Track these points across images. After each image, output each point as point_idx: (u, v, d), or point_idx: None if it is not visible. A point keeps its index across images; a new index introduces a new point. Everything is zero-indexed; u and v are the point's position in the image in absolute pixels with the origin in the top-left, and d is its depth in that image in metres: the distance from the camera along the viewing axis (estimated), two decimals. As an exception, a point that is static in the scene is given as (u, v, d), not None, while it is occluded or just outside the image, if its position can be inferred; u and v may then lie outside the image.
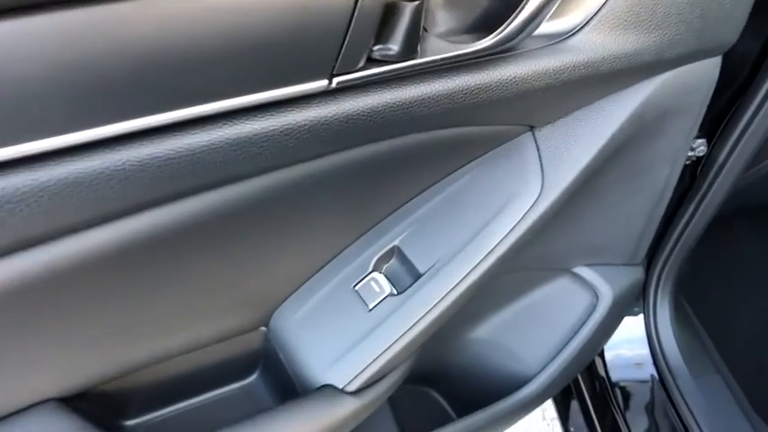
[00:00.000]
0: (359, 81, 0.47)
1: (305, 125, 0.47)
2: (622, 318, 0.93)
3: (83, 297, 0.51)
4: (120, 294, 0.54)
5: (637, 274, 0.90)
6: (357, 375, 0.64)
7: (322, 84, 0.46)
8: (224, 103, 0.43)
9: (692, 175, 0.89)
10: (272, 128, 0.46)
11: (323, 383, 0.65)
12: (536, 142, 0.65)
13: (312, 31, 0.42)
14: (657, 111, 0.66)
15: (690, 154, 0.82)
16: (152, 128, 0.42)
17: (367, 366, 0.64)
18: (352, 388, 0.65)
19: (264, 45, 0.42)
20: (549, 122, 0.64)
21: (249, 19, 0.40)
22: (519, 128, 0.64)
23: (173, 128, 0.43)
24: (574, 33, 0.57)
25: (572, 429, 1.24)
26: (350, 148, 0.53)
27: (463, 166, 0.65)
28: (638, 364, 1.11)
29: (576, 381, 1.18)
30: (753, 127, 0.81)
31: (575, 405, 1.21)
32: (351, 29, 0.43)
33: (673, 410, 1.04)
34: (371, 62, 0.48)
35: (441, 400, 1.00)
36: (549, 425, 1.51)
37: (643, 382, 1.10)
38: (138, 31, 0.37)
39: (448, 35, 0.54)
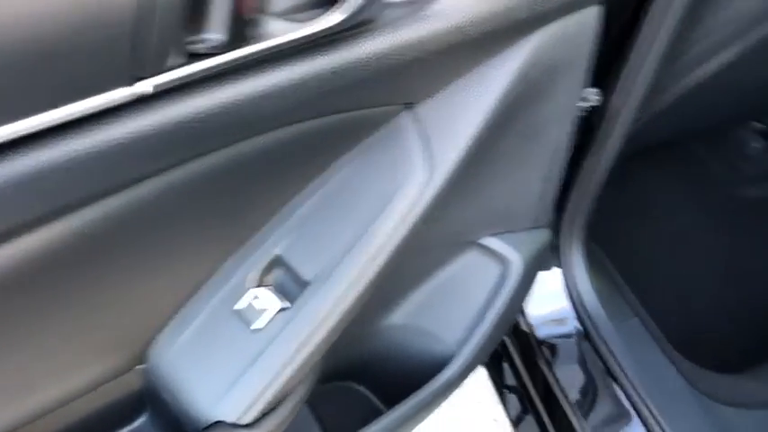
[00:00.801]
0: (175, 82, 0.39)
1: (110, 144, 0.38)
2: (534, 281, 0.91)
3: None
4: None
5: (543, 236, 0.87)
6: (251, 405, 0.57)
7: (123, 92, 0.37)
8: None
9: (589, 126, 0.86)
10: (63, 158, 0.36)
11: (213, 420, 0.58)
12: (416, 120, 0.58)
13: (93, 26, 0.33)
14: (541, 68, 0.61)
15: (584, 105, 0.79)
16: None
17: (261, 393, 0.57)
18: (247, 420, 0.58)
19: (31, 50, 0.32)
20: (428, 97, 0.58)
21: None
22: (395, 107, 0.57)
23: None
24: None
25: (505, 391, 1.24)
26: (187, 162, 0.44)
27: (338, 158, 0.58)
28: (562, 320, 1.10)
29: (503, 342, 1.17)
30: (643, 70, 0.78)
31: (506, 367, 1.21)
32: (140, 17, 0.34)
33: (599, 360, 1.04)
34: (194, 57, 0.39)
35: (366, 392, 0.95)
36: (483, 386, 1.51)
37: (568, 336, 1.10)
38: None
39: (291, 13, 0.45)
